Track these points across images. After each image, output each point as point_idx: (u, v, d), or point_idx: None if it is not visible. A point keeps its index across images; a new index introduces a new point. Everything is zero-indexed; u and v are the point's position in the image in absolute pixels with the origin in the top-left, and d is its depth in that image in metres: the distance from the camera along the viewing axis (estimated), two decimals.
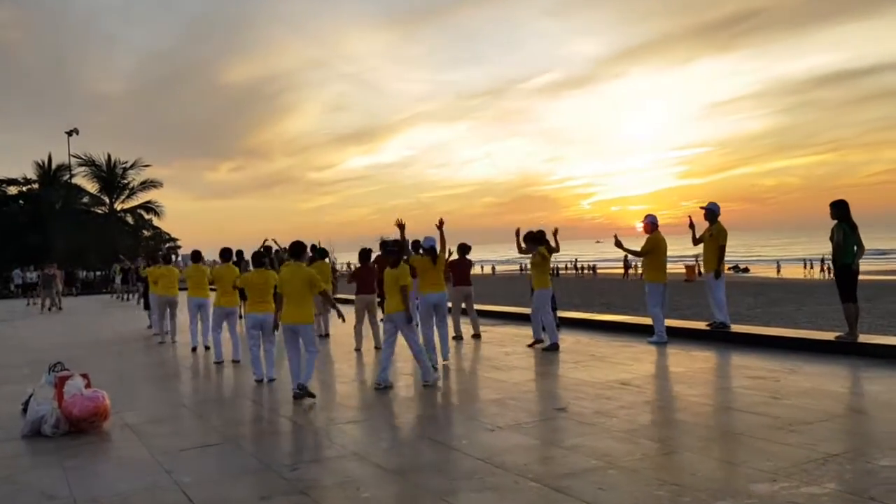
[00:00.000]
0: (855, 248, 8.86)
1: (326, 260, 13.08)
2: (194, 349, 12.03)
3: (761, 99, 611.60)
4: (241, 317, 14.41)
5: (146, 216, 48.90)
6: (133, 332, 15.95)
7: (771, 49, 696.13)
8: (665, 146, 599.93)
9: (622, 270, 58.41)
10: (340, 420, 6.69)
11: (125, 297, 30.53)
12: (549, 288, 10.54)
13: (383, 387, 7.92)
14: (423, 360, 8.12)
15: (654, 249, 10.78)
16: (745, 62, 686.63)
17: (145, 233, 49.58)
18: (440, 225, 9.21)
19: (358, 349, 11.23)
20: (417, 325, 9.02)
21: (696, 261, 61.83)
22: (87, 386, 7.00)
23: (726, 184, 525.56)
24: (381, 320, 9.46)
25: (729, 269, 74.26)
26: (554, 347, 10.17)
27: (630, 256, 10.44)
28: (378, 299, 11.55)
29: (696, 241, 10.91)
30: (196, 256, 12.64)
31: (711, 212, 10.58)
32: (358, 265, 11.82)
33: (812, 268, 61.63)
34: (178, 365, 11.05)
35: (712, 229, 10.56)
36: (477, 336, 11.94)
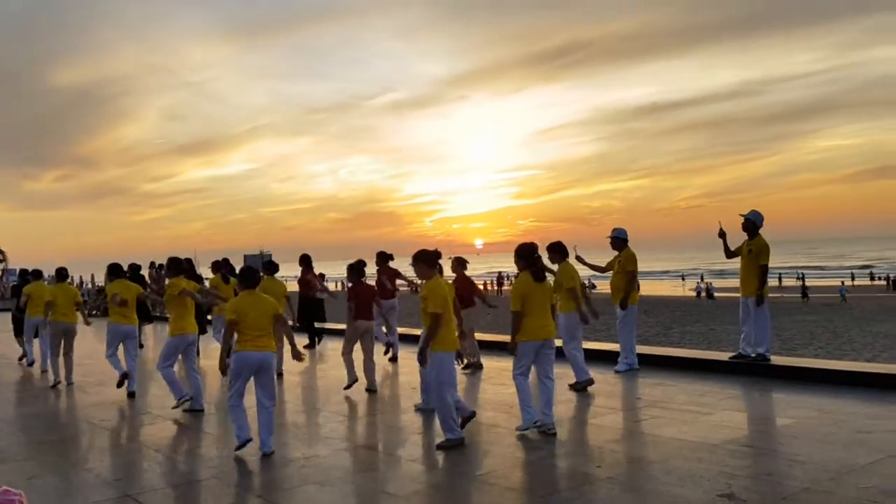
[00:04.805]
0: None
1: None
2: (131, 394, 9.07)
3: (586, 126, 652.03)
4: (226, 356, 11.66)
5: None
6: None
7: (595, 80, 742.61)
8: (502, 167, 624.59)
9: (494, 287, 57.66)
10: None
11: None
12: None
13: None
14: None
15: (634, 267, 9.41)
16: (572, 92, 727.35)
17: None
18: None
19: (351, 384, 8.82)
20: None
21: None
22: None
23: (555, 205, 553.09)
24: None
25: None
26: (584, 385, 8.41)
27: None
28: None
29: (729, 254, 9.37)
30: (116, 270, 9.62)
31: (751, 223, 9.05)
32: (350, 283, 9.31)
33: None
34: (97, 420, 8.04)
35: (752, 244, 9.04)
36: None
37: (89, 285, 43.63)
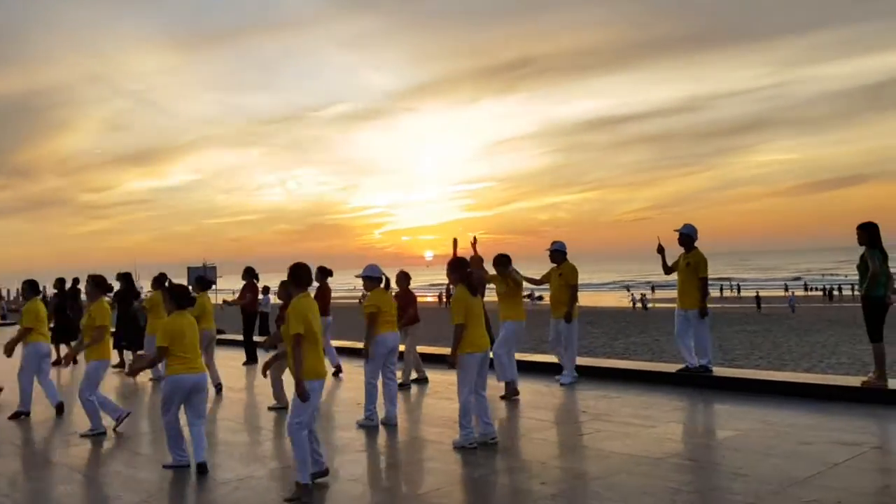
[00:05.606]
0: (885, 278, 7.69)
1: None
2: (25, 415, 8.51)
3: (538, 139, 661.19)
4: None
5: None
6: None
7: (546, 94, 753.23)
8: (452, 180, 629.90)
9: (437, 299, 57.54)
10: None
11: None
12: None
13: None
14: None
15: (576, 281, 9.37)
16: (524, 105, 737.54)
17: None
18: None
19: (283, 407, 8.50)
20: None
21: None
22: None
23: (507, 217, 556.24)
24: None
25: (525, 296, 76.25)
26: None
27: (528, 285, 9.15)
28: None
29: (667, 270, 9.42)
30: (33, 288, 9.08)
31: (687, 237, 9.11)
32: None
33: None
34: (18, 441, 7.60)
35: (689, 257, 9.10)
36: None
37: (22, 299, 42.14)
